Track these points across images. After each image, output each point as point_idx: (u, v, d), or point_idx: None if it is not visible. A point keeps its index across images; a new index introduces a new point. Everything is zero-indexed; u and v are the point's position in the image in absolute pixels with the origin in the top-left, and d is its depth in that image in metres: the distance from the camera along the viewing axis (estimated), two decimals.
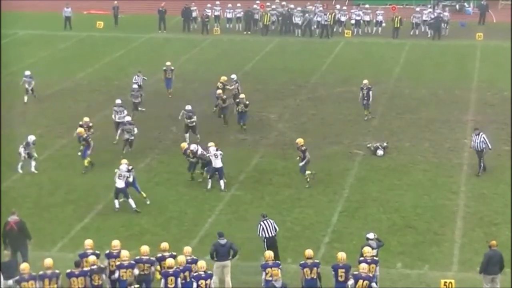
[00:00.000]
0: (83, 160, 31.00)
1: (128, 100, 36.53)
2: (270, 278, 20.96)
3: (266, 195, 28.94)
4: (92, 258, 21.21)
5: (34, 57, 47.71)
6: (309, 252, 21.46)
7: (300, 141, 30.02)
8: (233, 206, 28.16)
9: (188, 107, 34.09)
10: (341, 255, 21.24)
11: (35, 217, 26.99)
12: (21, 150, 30.78)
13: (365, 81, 36.47)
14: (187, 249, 21.83)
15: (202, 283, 20.62)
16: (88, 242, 22.09)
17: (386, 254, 23.98)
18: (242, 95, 35.74)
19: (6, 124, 35.59)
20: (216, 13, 54.80)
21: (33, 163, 30.80)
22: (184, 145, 30.72)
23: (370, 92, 36.19)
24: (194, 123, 33.79)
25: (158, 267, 21.56)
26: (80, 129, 31.46)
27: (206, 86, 40.06)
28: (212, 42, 51.74)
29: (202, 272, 20.81)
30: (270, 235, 23.42)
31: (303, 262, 21.35)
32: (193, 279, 20.71)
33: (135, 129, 32.57)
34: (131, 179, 27.84)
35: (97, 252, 21.89)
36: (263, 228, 23.46)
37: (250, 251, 23.82)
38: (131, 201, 27.61)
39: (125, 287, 21.02)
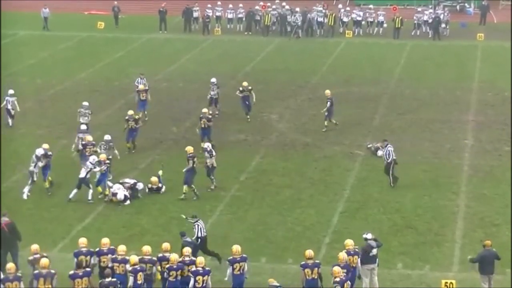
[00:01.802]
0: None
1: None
2: (239, 272, 21.38)
3: (266, 196, 28.92)
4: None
5: (34, 58, 47.70)
6: (309, 252, 21.47)
7: (189, 149, 28.88)
8: (234, 206, 28.13)
9: (107, 137, 30.55)
10: (342, 255, 21.26)
11: (35, 218, 26.99)
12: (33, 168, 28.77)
13: (327, 92, 35.34)
14: (187, 249, 21.84)
15: (199, 279, 20.75)
16: (82, 240, 22.07)
17: (386, 255, 23.99)
18: (204, 109, 32.98)
19: (6, 124, 35.55)
20: (218, 14, 54.82)
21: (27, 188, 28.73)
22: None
23: (329, 103, 34.60)
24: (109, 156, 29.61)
25: (159, 267, 21.57)
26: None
27: (207, 86, 39.94)
28: (213, 43, 51.71)
29: (200, 268, 20.94)
30: (204, 234, 23.71)
31: (303, 262, 21.34)
32: (191, 275, 20.84)
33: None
34: (96, 170, 28.01)
35: (92, 250, 21.88)
36: (200, 228, 23.75)
37: (250, 251, 23.70)
38: (90, 192, 28.06)
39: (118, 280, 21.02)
